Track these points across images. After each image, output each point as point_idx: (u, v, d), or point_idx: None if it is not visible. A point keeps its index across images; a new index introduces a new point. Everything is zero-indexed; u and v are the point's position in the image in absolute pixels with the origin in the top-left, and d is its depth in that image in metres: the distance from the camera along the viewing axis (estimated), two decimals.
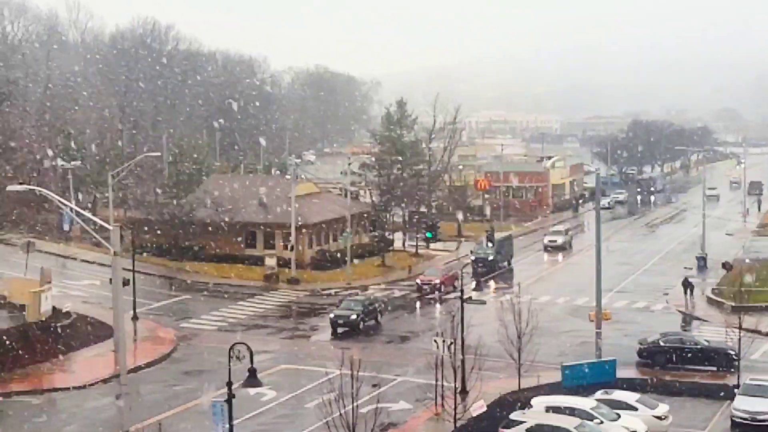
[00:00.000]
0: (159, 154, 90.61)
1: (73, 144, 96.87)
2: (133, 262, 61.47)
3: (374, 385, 40.87)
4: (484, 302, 55.48)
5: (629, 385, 46.27)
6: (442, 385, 42.14)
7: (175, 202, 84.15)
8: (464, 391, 43.32)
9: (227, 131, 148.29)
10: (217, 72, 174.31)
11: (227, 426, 30.31)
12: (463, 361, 42.96)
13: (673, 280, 74.88)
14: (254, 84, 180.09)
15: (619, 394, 43.28)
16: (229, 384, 29.73)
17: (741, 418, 42.25)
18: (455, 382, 40.91)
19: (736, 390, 44.62)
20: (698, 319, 64.29)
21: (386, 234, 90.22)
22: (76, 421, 43.00)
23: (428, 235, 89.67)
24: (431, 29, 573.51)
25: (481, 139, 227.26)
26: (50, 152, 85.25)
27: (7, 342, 50.16)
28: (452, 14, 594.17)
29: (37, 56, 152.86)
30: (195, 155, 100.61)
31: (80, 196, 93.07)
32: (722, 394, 46.07)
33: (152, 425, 40.29)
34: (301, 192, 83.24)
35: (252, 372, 29.77)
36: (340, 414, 30.96)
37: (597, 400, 42.17)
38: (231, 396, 29.79)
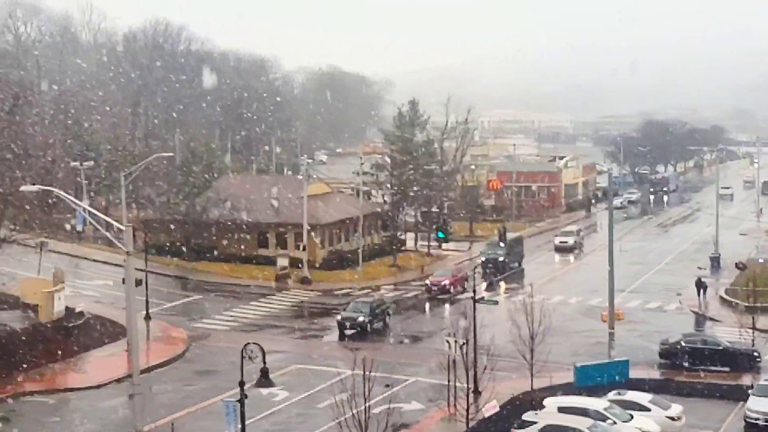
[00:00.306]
0: (171, 154, 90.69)
1: (86, 144, 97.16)
2: (146, 262, 61.59)
3: (386, 386, 40.89)
4: (496, 302, 55.37)
5: (642, 385, 46.11)
6: (455, 386, 42.07)
7: (187, 202, 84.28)
8: (477, 392, 43.25)
9: (239, 131, 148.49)
10: (230, 72, 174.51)
11: (240, 426, 30.35)
12: (475, 362, 42.90)
13: (686, 280, 74.60)
14: (266, 84, 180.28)
15: (632, 395, 43.15)
16: (242, 384, 29.76)
17: (754, 419, 42.11)
18: (468, 382, 40.88)
19: (749, 391, 44.44)
20: (711, 319, 64.06)
21: (398, 234, 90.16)
22: (90, 420, 43.12)
23: (440, 235, 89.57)
24: (444, 28, 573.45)
25: (493, 139, 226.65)
26: (63, 153, 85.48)
27: (21, 342, 50.33)
28: (464, 13, 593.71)
29: (50, 57, 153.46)
30: (207, 155, 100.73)
31: (93, 197, 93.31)
32: (736, 395, 45.87)
33: (165, 425, 40.38)
34: (313, 192, 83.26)
35: (264, 372, 29.81)
36: (353, 414, 30.97)
37: (610, 400, 42.07)
38: (243, 396, 29.83)
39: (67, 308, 57.86)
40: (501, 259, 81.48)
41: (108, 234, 33.24)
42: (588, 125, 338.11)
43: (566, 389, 45.83)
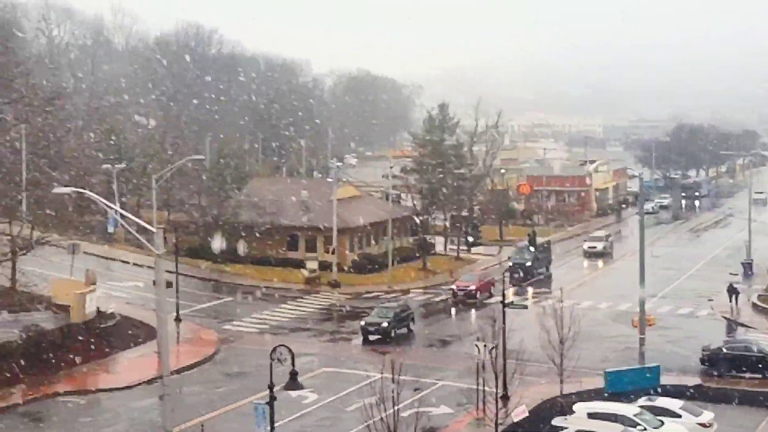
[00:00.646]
0: (202, 157, 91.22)
1: (118, 147, 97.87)
2: (176, 264, 61.91)
3: (415, 389, 40.86)
4: (525, 307, 55.22)
5: (673, 391, 45.75)
6: (484, 390, 41.96)
7: (217, 204, 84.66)
8: (506, 396, 43.10)
9: (269, 134, 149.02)
10: (260, 75, 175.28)
11: (269, 428, 30.41)
12: (504, 366, 42.75)
13: (718, 286, 73.92)
14: (296, 87, 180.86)
15: (662, 401, 42.82)
16: (271, 386, 29.83)
17: None
18: (497, 386, 40.74)
19: None
20: (743, 325, 63.41)
21: (427, 238, 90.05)
22: (120, 421, 43.42)
23: (469, 239, 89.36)
24: (474, 31, 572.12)
25: (523, 143, 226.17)
26: (96, 155, 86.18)
27: (53, 343, 50.77)
28: (495, 16, 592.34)
29: (82, 60, 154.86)
30: (238, 158, 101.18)
31: (125, 199, 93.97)
32: None
33: (195, 426, 40.54)
34: (342, 195, 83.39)
35: (293, 375, 29.87)
36: (381, 418, 30.94)
37: (640, 406, 41.77)
38: (273, 398, 29.90)
39: (98, 309, 58.32)
40: (528, 264, 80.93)
41: (139, 236, 33.40)
42: (619, 129, 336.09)
43: (596, 395, 45.57)
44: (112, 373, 51.29)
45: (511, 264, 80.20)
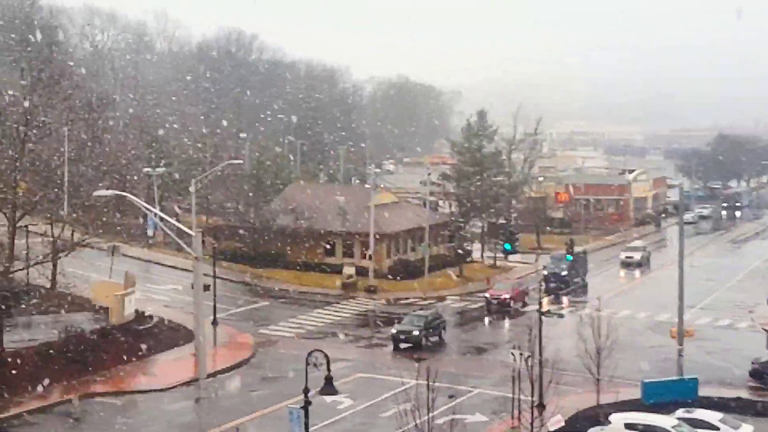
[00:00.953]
0: (241, 161, 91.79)
1: (158, 151, 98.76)
2: (214, 267, 62.29)
3: (450, 396, 40.71)
4: (562, 315, 54.92)
5: (712, 404, 45.23)
6: (519, 399, 41.78)
7: (255, 209, 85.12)
8: (541, 405, 42.84)
9: (308, 139, 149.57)
10: (300, 81, 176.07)
11: None
12: (540, 375, 42.52)
13: (758, 298, 73.06)
14: (335, 93, 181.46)
15: (701, 413, 42.35)
16: (306, 391, 29.92)
17: None
18: (532, 395, 40.54)
19: None
20: None
21: (464, 245, 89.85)
22: (157, 423, 43.74)
23: (506, 247, 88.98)
24: (513, 39, 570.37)
25: (561, 151, 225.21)
26: (137, 159, 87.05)
27: (92, 344, 51.28)
28: (533, 24, 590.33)
29: (125, 65, 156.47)
30: (276, 163, 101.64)
31: (164, 203, 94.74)
32: None
33: (230, 429, 40.77)
34: (380, 201, 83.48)
35: (329, 379, 29.92)
36: (416, 424, 30.90)
37: (678, 418, 41.36)
38: (308, 403, 29.98)
39: (137, 311, 58.82)
40: (564, 273, 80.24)
41: (178, 239, 33.72)
42: (660, 138, 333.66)
43: (633, 405, 45.16)
44: (149, 374, 51.68)
45: (546, 273, 79.80)
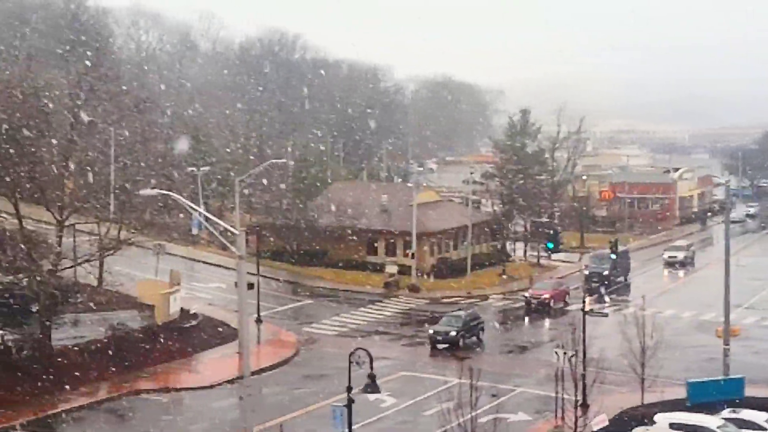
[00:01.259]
0: (284, 160, 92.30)
1: (202, 150, 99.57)
2: (258, 266, 62.72)
3: (493, 395, 40.67)
4: (606, 315, 54.50)
5: (758, 404, 44.67)
6: (563, 398, 41.59)
7: (298, 208, 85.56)
8: (585, 405, 42.62)
9: (351, 138, 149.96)
10: (343, 80, 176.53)
11: (346, 430, 30.61)
12: (584, 374, 42.30)
13: None
14: (378, 92, 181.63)
15: (747, 413, 41.87)
16: (349, 389, 30.04)
17: None
18: (576, 394, 40.36)
19: None
20: None
21: (507, 244, 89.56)
22: (202, 420, 44.14)
23: (549, 245, 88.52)
24: (557, 37, 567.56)
25: (606, 150, 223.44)
26: (181, 158, 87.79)
27: (137, 341, 51.87)
28: (578, 21, 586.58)
29: (169, 65, 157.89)
30: (319, 162, 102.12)
31: (208, 201, 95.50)
32: None
33: (274, 427, 41.02)
34: (422, 200, 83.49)
35: (372, 378, 30.03)
36: (459, 423, 30.90)
37: (724, 418, 40.94)
38: (350, 401, 30.10)
39: (182, 309, 59.38)
40: (606, 272, 79.47)
41: (222, 238, 33.98)
42: (705, 136, 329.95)
43: (678, 405, 44.77)
44: (193, 372, 52.15)
45: (587, 272, 79.11)
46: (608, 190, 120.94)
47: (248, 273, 40.55)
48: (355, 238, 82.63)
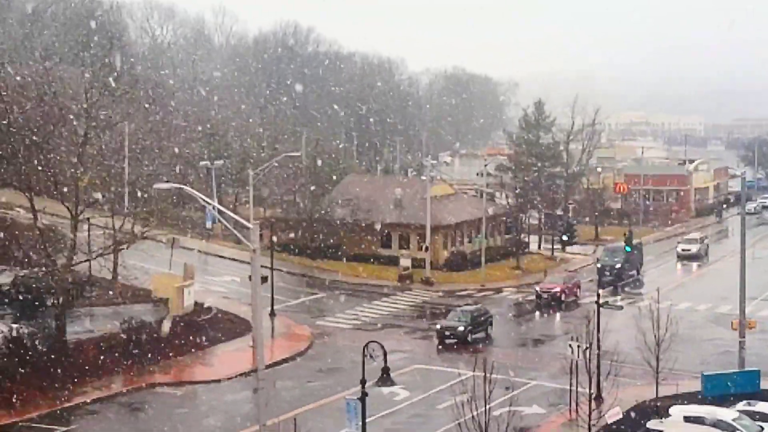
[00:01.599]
0: (298, 154, 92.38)
1: (216, 144, 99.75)
2: (272, 259, 62.77)
3: (507, 388, 40.57)
4: (621, 307, 54.37)
5: None
6: (577, 391, 41.50)
7: (313, 201, 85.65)
8: (599, 398, 42.56)
9: (364, 132, 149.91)
10: (356, 73, 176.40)
11: (360, 423, 30.60)
12: (598, 367, 42.18)
13: None
14: (392, 85, 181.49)
15: (763, 406, 41.70)
16: (363, 382, 30.01)
17: None
18: (590, 387, 40.24)
19: None
20: None
21: (521, 236, 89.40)
22: (216, 413, 44.24)
23: (564, 238, 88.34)
24: (571, 30, 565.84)
25: (620, 142, 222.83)
26: (195, 152, 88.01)
27: (152, 335, 52.01)
28: (592, 15, 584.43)
29: (183, 59, 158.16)
30: (333, 155, 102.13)
31: (222, 195, 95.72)
32: None
33: (288, 420, 41.05)
34: (436, 193, 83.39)
35: (385, 371, 29.99)
36: (473, 416, 30.83)
37: (739, 411, 40.78)
38: (364, 394, 30.07)
39: (196, 303, 59.51)
40: (618, 266, 78.60)
41: (236, 231, 34.00)
42: (721, 128, 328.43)
43: (693, 398, 44.63)
44: (208, 365, 52.26)
45: (599, 266, 78.63)
46: (623, 183, 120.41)
47: (262, 266, 40.72)
48: (369, 231, 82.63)
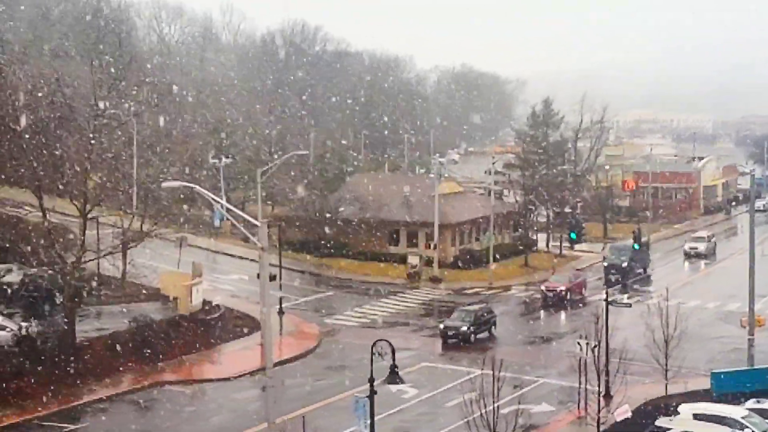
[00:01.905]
0: (306, 152, 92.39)
1: (223, 142, 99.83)
2: (280, 258, 62.81)
3: (516, 386, 40.61)
4: (629, 305, 54.29)
5: None
6: (586, 389, 41.46)
7: (320, 199, 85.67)
8: (608, 396, 42.50)
9: (372, 130, 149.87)
10: (364, 71, 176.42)
11: (369, 421, 30.62)
12: (607, 365, 42.14)
13: None
14: (400, 83, 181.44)
15: None
16: (371, 380, 30.03)
17: None
18: (599, 385, 40.21)
19: None
20: None
21: (530, 234, 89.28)
22: (224, 411, 44.31)
23: (572, 236, 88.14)
24: (579, 28, 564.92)
25: (629, 139, 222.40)
26: (203, 150, 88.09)
27: (160, 333, 52.10)
28: (601, 13, 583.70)
29: (191, 57, 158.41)
30: (341, 153, 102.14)
31: (230, 193, 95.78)
32: None
33: (296, 418, 41.08)
34: (444, 191, 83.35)
35: (394, 369, 30.01)
36: (481, 414, 30.83)
37: (748, 409, 40.67)
38: (373, 392, 30.09)
39: (204, 301, 59.58)
40: (624, 264, 78.11)
41: (244, 230, 34.04)
42: (729, 125, 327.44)
43: (702, 396, 44.54)
44: (216, 363, 52.35)
45: (606, 265, 78.29)
46: (631, 180, 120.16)
47: (271, 265, 40.72)
48: (377, 229, 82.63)
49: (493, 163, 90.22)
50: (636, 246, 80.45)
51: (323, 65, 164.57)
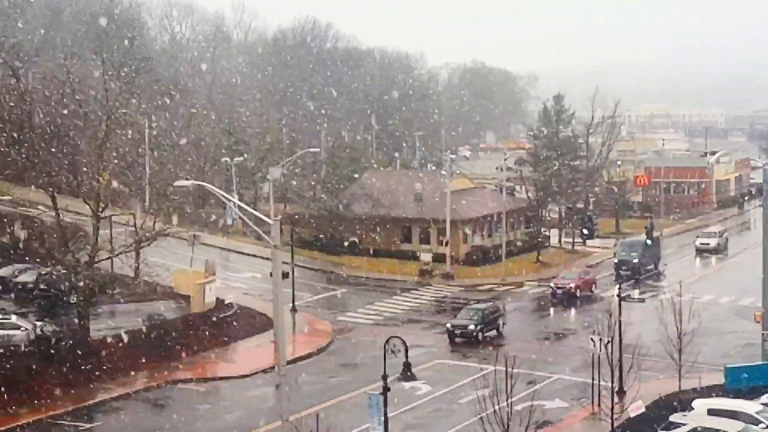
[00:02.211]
0: (318, 149, 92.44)
1: (235, 140, 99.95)
2: (292, 255, 62.86)
3: (529, 383, 40.57)
4: (643, 300, 54.14)
5: None
6: (599, 384, 41.40)
7: (332, 196, 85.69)
8: (622, 391, 42.43)
9: (384, 127, 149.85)
10: (375, 69, 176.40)
11: (382, 418, 30.67)
12: (620, 360, 42.06)
13: None
14: (411, 80, 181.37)
15: None
16: (385, 377, 30.07)
17: None
18: (612, 381, 40.14)
19: None
20: None
21: (542, 230, 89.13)
22: (238, 409, 44.42)
23: (584, 232, 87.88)
24: (591, 24, 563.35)
25: (641, 134, 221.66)
26: (215, 148, 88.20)
27: (174, 331, 52.27)
28: (609, 11, 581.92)
29: (203, 55, 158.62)
30: (352, 151, 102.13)
31: (242, 191, 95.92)
32: None
33: (310, 415, 41.15)
34: (456, 187, 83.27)
35: (407, 366, 30.06)
36: (495, 410, 30.82)
37: (763, 404, 40.55)
38: (386, 389, 30.13)
39: (217, 299, 59.71)
40: (635, 261, 77.46)
41: (256, 228, 34.12)
42: (742, 119, 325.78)
43: (716, 391, 44.42)
44: (229, 361, 52.48)
45: (616, 261, 77.89)
46: (643, 175, 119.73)
47: (283, 262, 40.81)
48: (389, 226, 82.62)
49: (505, 159, 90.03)
50: (648, 241, 79.99)
51: (334, 62, 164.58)
